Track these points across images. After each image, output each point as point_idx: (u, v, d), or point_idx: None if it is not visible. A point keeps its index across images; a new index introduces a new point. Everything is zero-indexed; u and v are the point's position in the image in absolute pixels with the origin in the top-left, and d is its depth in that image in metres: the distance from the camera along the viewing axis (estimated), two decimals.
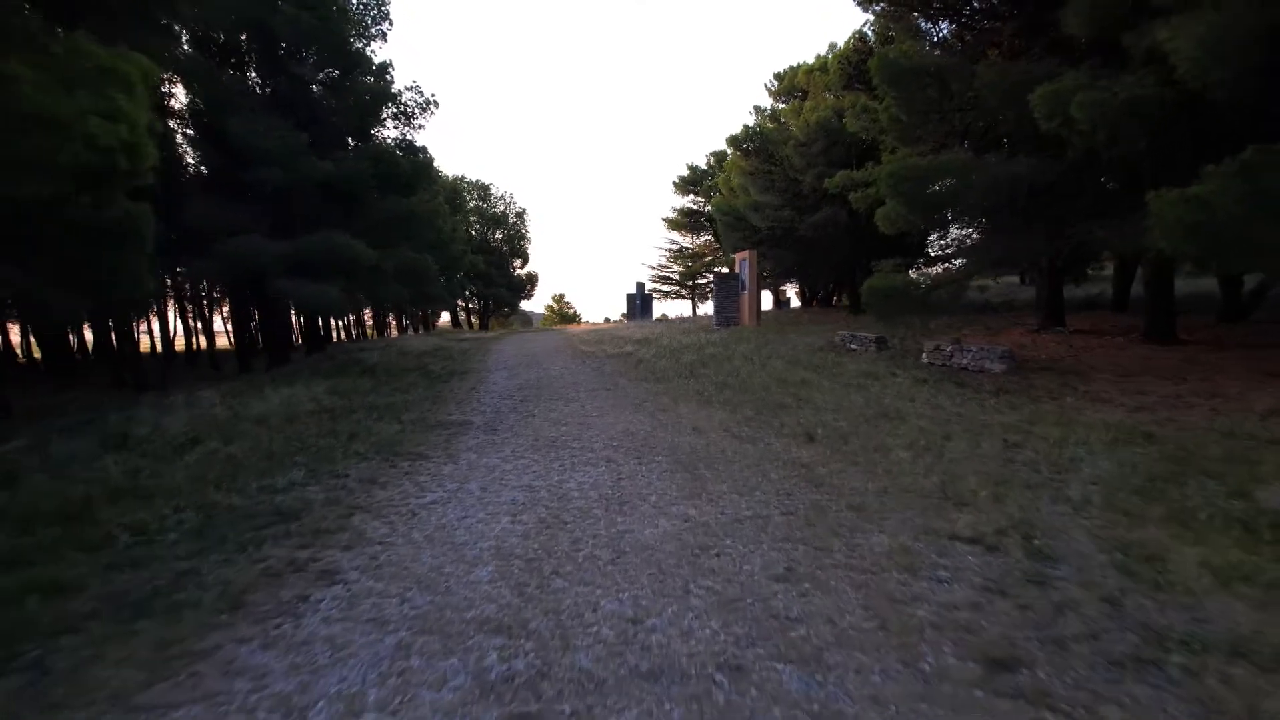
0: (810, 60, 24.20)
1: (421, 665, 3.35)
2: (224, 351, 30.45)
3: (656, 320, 35.66)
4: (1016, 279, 31.30)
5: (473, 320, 57.89)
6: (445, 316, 58.92)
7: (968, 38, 13.06)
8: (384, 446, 8.19)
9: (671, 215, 47.60)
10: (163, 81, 15.29)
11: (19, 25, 7.90)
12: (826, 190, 20.92)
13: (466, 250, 41.90)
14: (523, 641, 3.53)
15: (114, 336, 17.61)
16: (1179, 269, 11.75)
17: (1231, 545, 4.18)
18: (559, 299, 79.38)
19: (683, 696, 3.00)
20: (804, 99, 23.30)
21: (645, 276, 58.35)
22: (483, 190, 54.84)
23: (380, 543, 5.11)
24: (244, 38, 16.17)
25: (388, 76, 18.45)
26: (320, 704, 3.06)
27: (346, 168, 15.97)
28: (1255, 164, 6.36)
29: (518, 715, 2.94)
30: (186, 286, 24.38)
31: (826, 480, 6.11)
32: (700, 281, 50.72)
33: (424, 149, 20.32)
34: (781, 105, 26.12)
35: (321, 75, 16.94)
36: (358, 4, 18.77)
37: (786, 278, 28.72)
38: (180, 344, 30.59)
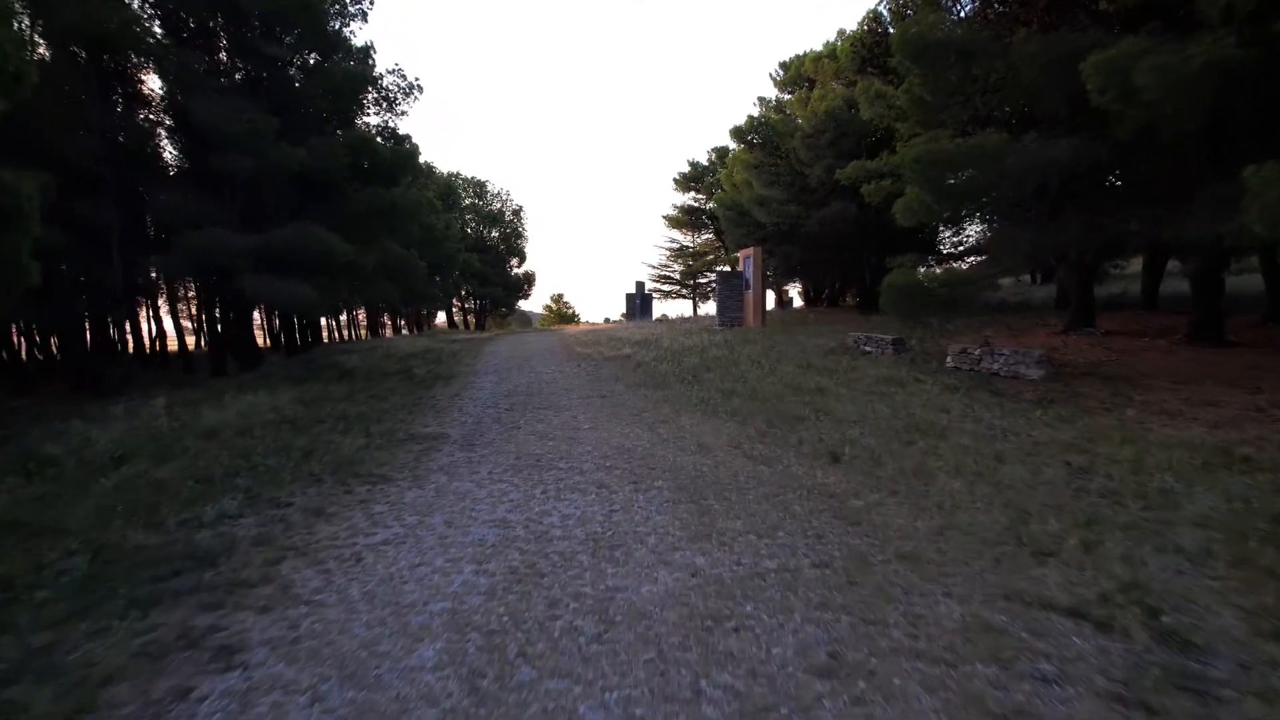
0: (818, 48, 23.13)
1: None
2: (203, 354, 29.34)
3: (656, 320, 34.55)
4: (1028, 277, 30.21)
5: (469, 321, 56.76)
6: (442, 317, 57.85)
7: (993, 11, 11.97)
8: (342, 466, 7.11)
9: (672, 213, 46.47)
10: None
11: None
12: (838, 183, 19.90)
13: (461, 248, 40.77)
14: None
15: (84, 336, 16.65)
16: (1232, 263, 10.64)
17: None
18: (557, 299, 78.28)
19: None
20: (811, 88, 22.22)
21: (645, 276, 57.25)
22: (478, 187, 53.72)
23: (307, 602, 4.04)
24: (213, 16, 14.97)
25: (368, 60, 17.33)
26: None
27: (322, 156, 14.77)
28: None
29: None
30: (160, 284, 23.23)
31: (864, 516, 5.02)
32: (701, 281, 49.63)
33: (408, 137, 19.26)
34: (787, 96, 25.02)
35: (295, 57, 15.78)
36: None
37: (792, 276, 27.64)
38: (170, 345, 29.56)
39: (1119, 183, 10.89)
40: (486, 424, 9.33)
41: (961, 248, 25.55)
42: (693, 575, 4.15)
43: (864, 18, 20.06)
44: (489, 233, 54.78)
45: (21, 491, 6.03)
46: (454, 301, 54.49)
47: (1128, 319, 15.91)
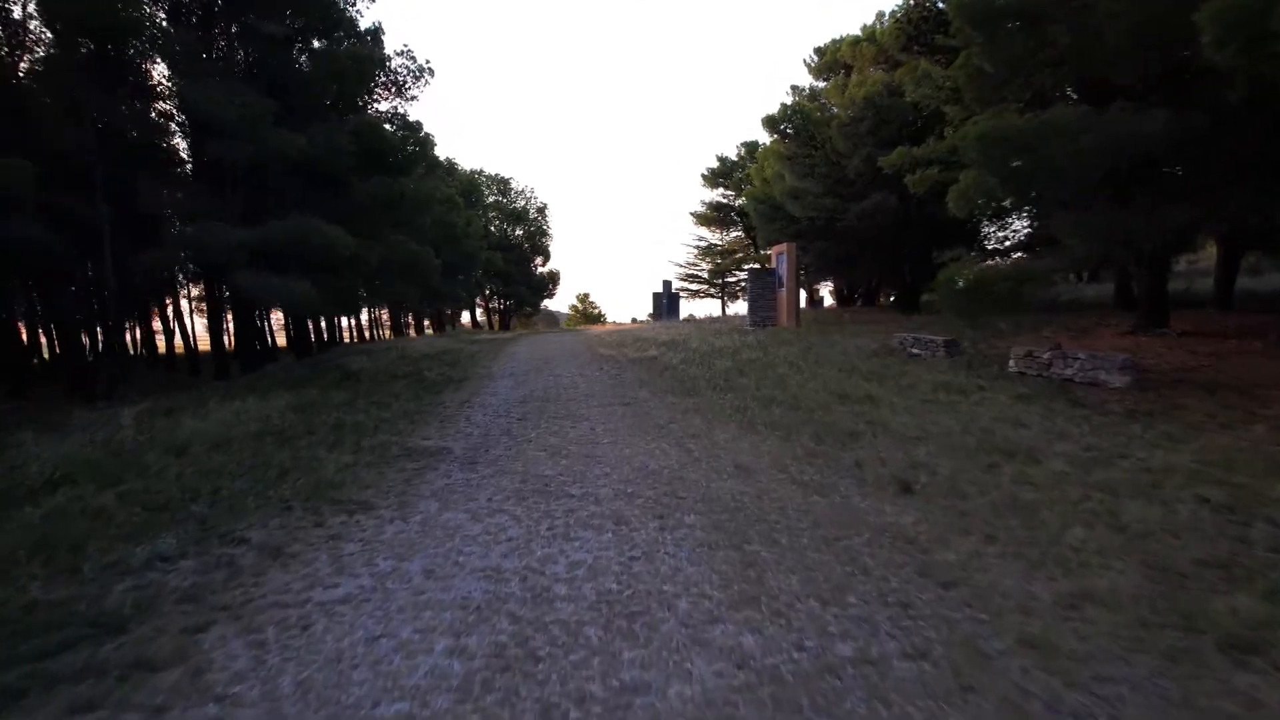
0: (855, 33, 21.85)
1: None
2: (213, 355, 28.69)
3: (684, 320, 33.41)
4: (1073, 275, 28.53)
5: (493, 320, 55.99)
6: (467, 317, 57.16)
7: None
8: (319, 490, 6.09)
9: (700, 210, 45.20)
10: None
11: None
12: (879, 172, 18.64)
13: (483, 246, 39.90)
14: None
15: (83, 338, 15.89)
16: None
17: None
18: (583, 298, 77.36)
19: None
20: (849, 75, 20.95)
21: (672, 275, 56.12)
22: (502, 185, 52.88)
23: (220, 698, 3.02)
24: None
25: (377, 42, 16.23)
26: None
27: (324, 142, 13.80)
28: None
29: None
30: (182, 283, 22.53)
31: (959, 574, 3.87)
32: (730, 280, 48.35)
33: (418, 124, 18.25)
34: (822, 84, 23.76)
35: (297, 37, 14.80)
36: None
37: (826, 273, 26.32)
38: (195, 345, 28.85)
39: (1208, 162, 9.56)
40: (494, 436, 8.28)
41: (1007, 243, 24.19)
42: (739, 667, 3.05)
43: None
44: (513, 231, 54.00)
45: None
46: (478, 301, 53.78)
47: (1201, 319, 14.47)
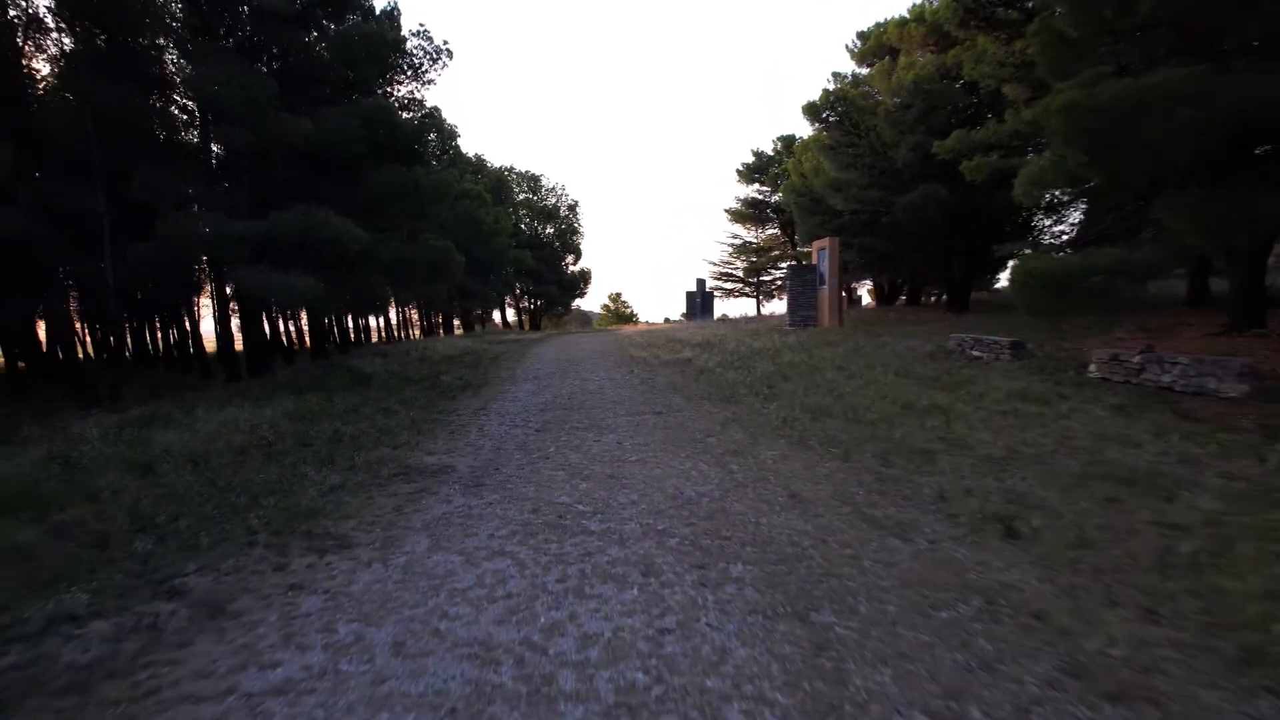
0: (902, 14, 20.52)
1: None
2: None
3: (717, 320, 32.23)
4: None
5: (524, 320, 55.21)
6: (498, 317, 56.49)
7: None
8: (293, 519, 5.14)
9: (735, 206, 43.91)
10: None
11: None
12: (931, 159, 17.40)
13: (512, 244, 39.04)
14: None
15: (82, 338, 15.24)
16: None
17: None
18: (615, 298, 76.38)
19: None
20: (895, 59, 19.66)
21: (705, 273, 54.83)
22: (532, 182, 52.04)
23: None
24: None
25: (391, 21, 15.18)
26: None
27: (331, 127, 12.87)
28: None
29: None
30: (205, 280, 21.80)
31: (1128, 677, 2.75)
32: (765, 278, 47.01)
33: (436, 110, 17.30)
34: (866, 70, 22.45)
35: (306, 17, 13.83)
36: None
37: (869, 270, 24.93)
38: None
39: None
40: (508, 451, 7.28)
41: (1064, 237, 22.66)
42: None
43: None
44: (543, 229, 53.18)
45: None
46: (508, 301, 53.06)
47: None
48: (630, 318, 70.46)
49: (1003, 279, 34.65)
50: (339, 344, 24.71)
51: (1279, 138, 8.29)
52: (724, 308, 49.10)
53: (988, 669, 2.84)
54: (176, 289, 14.88)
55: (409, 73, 16.16)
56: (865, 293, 38.60)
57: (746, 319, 31.19)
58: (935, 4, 18.80)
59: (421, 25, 13.99)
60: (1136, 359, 8.75)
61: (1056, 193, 11.44)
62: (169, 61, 11.90)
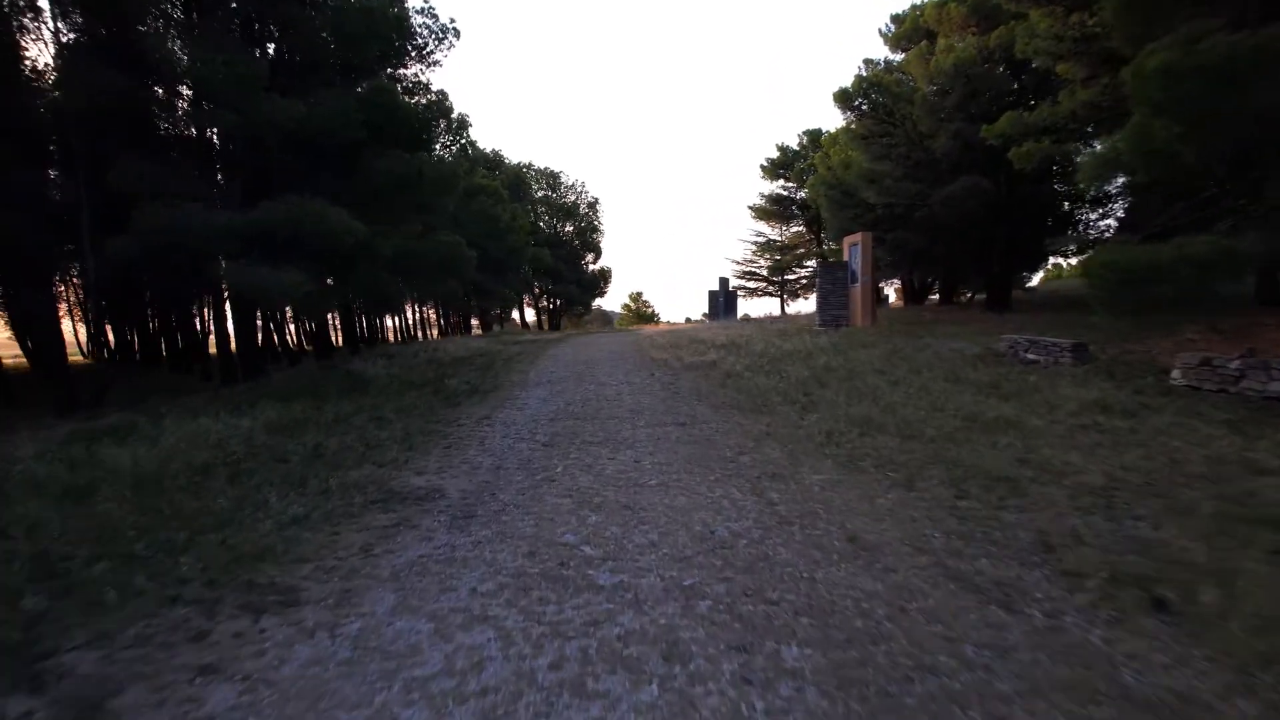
0: None
1: None
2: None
3: (740, 320, 31.10)
4: None
5: (543, 320, 54.26)
6: (516, 316, 55.67)
7: None
8: (235, 565, 4.18)
9: (759, 203, 42.65)
10: None
11: None
12: (971, 148, 16.29)
13: (529, 241, 38.12)
14: None
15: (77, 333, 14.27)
16: None
17: None
18: (636, 297, 75.25)
19: None
20: (933, 42, 18.47)
21: (728, 272, 53.65)
22: (551, 178, 51.10)
23: None
24: None
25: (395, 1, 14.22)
26: None
27: (326, 110, 11.93)
28: None
29: None
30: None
31: None
32: (790, 277, 45.69)
33: (442, 93, 16.34)
34: (900, 56, 21.28)
35: None
36: None
37: (902, 267, 23.67)
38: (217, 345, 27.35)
39: None
40: (508, 472, 6.29)
41: (1107, 234, 21.33)
42: None
43: None
44: (562, 227, 52.25)
45: None
46: (526, 300, 52.19)
47: None
48: (651, 317, 69.41)
49: (1035, 278, 33.43)
50: (350, 345, 23.84)
51: None
52: (746, 307, 48.02)
53: None
54: (171, 286, 14.02)
55: (413, 54, 15.13)
56: (892, 291, 37.25)
57: (771, 319, 30.06)
58: None
59: (426, 2, 13.20)
60: (1235, 364, 7.60)
61: (1109, 182, 10.26)
62: (154, 40, 10.90)
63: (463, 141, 23.96)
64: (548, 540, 4.47)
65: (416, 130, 13.70)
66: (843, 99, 19.25)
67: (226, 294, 12.21)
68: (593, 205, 53.74)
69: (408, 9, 14.14)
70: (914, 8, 20.23)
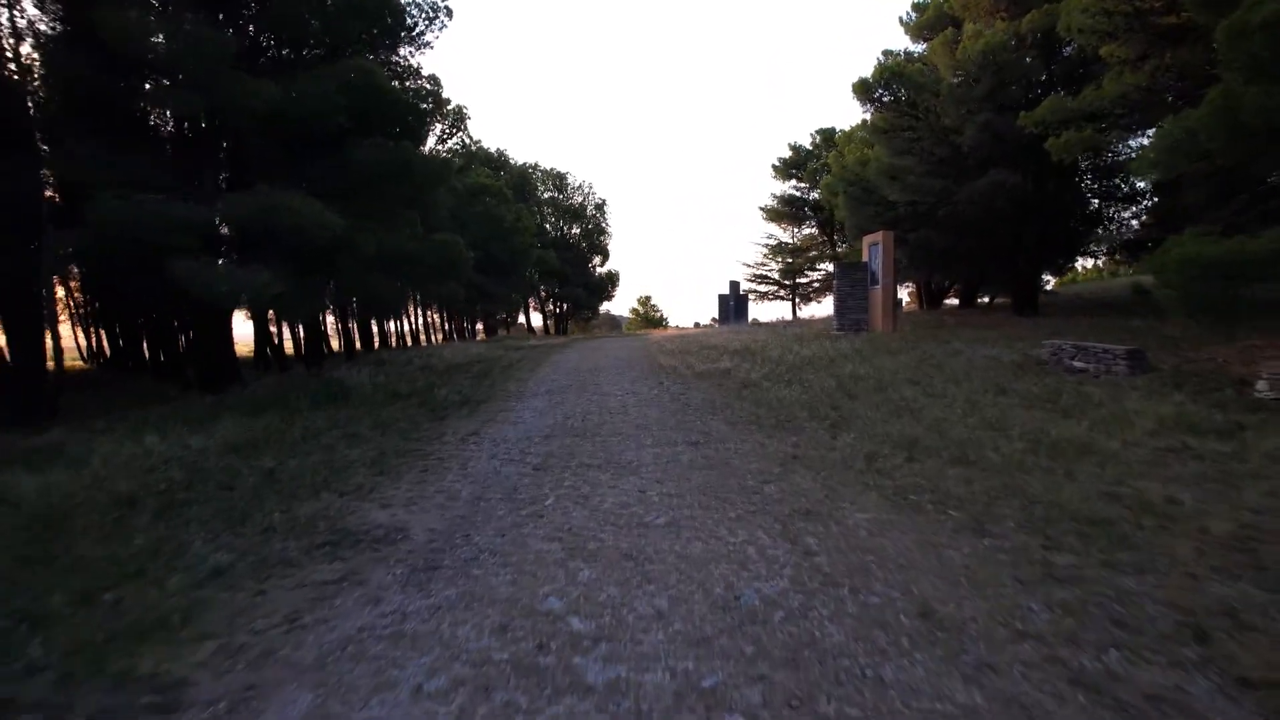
0: None
1: None
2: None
3: (752, 324, 29.99)
4: None
5: (549, 325, 53.22)
6: (524, 320, 54.71)
7: None
8: (107, 648, 3.22)
9: (771, 204, 41.55)
10: None
11: None
12: (1005, 138, 15.20)
13: (535, 243, 37.12)
14: None
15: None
16: None
17: None
18: (644, 301, 74.21)
19: None
20: (958, 29, 17.41)
21: (739, 275, 52.54)
22: (558, 180, 50.10)
23: None
24: None
25: None
26: None
27: (303, 92, 10.94)
28: None
29: None
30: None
31: None
32: (802, 280, 44.55)
33: (433, 78, 15.28)
34: (921, 46, 20.23)
35: None
36: None
37: (923, 268, 22.53)
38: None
39: None
40: (488, 505, 5.29)
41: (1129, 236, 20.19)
42: None
43: None
44: (569, 229, 51.28)
45: None
46: (532, 304, 51.22)
47: None
48: (660, 322, 68.36)
49: (1050, 282, 32.08)
50: (347, 351, 22.85)
51: None
52: (757, 311, 46.82)
53: None
54: (141, 286, 13.05)
55: (401, 34, 14.06)
56: (905, 294, 36.10)
57: (785, 323, 28.98)
58: None
59: None
60: None
61: (1176, 170, 9.19)
62: (111, 13, 9.93)
63: (461, 135, 22.98)
64: (526, 607, 3.47)
65: (405, 116, 12.63)
66: (862, 90, 18.18)
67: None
68: (600, 207, 52.80)
69: None
70: None
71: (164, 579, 3.88)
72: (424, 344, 36.31)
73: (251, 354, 22.92)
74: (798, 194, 40.72)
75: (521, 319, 53.42)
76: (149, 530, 4.70)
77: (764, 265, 45.63)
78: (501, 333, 43.78)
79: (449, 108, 22.58)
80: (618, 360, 16.27)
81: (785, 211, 41.62)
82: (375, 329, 33.08)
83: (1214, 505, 4.23)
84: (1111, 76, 11.65)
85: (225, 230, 10.38)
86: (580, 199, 51.33)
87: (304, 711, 2.68)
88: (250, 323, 21.33)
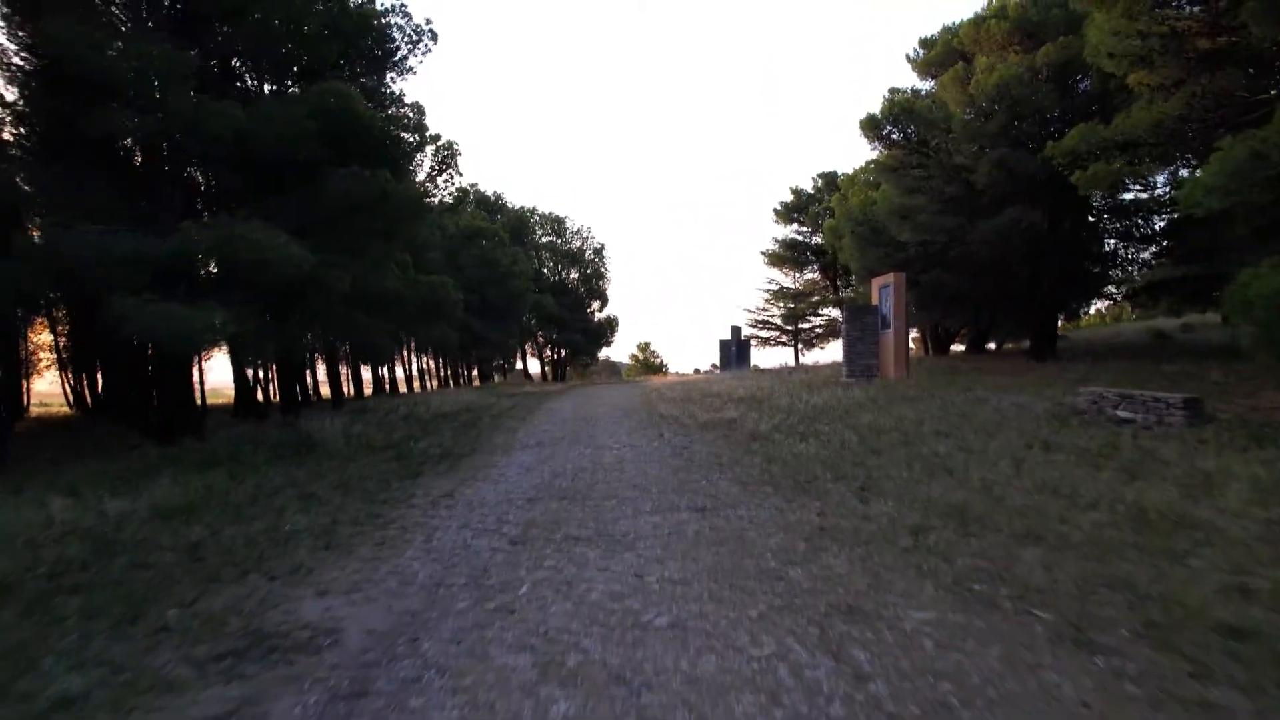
0: (977, 12, 17.74)
1: None
2: (215, 405, 25.04)
3: (752, 370, 29.03)
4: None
5: (546, 371, 52.21)
6: (520, 366, 53.76)
7: None
8: None
9: (772, 249, 40.98)
10: None
11: None
12: (1015, 176, 14.50)
13: (532, 288, 36.34)
14: None
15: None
16: None
17: None
18: (644, 347, 73.50)
19: None
20: (969, 64, 16.83)
21: (740, 320, 51.80)
22: (556, 223, 49.59)
23: None
24: None
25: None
26: None
27: (270, 116, 10.06)
28: None
29: None
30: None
31: None
32: (804, 325, 43.76)
33: (417, 105, 14.53)
34: (929, 83, 19.68)
35: None
36: None
37: (934, 311, 21.70)
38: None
39: None
40: (450, 593, 4.26)
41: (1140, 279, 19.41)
42: None
43: None
44: (567, 273, 50.63)
45: None
46: (529, 349, 50.34)
47: None
48: (660, 368, 67.52)
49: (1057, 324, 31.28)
50: (332, 397, 21.85)
51: None
52: (758, 357, 46.03)
53: None
54: (91, 327, 12.07)
55: (381, 57, 13.28)
56: (911, 339, 35.28)
57: (789, 369, 28.04)
58: None
59: (400, 0, 11.68)
60: None
61: (1234, 197, 8.39)
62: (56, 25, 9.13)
63: (451, 171, 22.27)
64: None
65: (382, 144, 11.78)
66: (871, 127, 17.52)
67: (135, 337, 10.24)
68: (599, 251, 52.21)
69: (375, 7, 12.39)
70: (946, 30, 18.65)
71: None
72: (417, 391, 35.31)
73: (232, 401, 21.92)
74: (800, 238, 40.22)
75: (519, 365, 52.50)
76: (6, 631, 3.68)
77: (765, 310, 44.96)
78: (496, 379, 42.82)
79: (440, 143, 21.87)
80: (615, 408, 15.32)
81: (787, 256, 41.06)
82: (370, 375, 32.13)
83: None
84: (1141, 105, 10.93)
85: (185, 266, 9.44)
86: (579, 243, 50.81)
87: None
88: (233, 369, 20.39)
